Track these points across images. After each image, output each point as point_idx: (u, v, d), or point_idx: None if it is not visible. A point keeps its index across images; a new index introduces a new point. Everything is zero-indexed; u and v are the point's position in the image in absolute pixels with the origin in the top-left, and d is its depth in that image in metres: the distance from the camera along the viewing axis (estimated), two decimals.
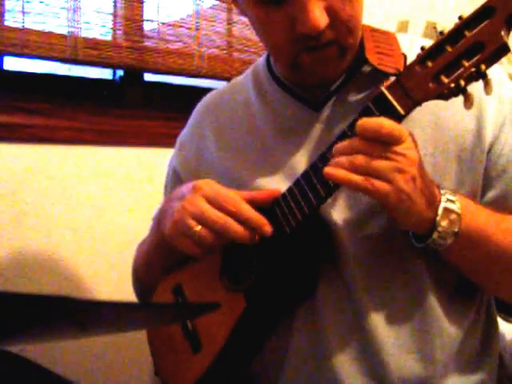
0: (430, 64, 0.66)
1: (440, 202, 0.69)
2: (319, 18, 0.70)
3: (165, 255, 0.89)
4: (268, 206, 0.77)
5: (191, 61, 1.51)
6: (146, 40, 1.45)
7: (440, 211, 0.68)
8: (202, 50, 1.53)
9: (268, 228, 0.74)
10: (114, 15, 1.42)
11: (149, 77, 1.53)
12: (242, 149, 0.87)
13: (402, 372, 0.76)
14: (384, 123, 0.64)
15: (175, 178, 0.98)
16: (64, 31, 1.33)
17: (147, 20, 1.47)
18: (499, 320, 0.91)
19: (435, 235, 0.69)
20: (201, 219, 0.74)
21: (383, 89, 0.68)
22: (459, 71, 0.64)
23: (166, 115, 1.46)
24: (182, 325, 0.86)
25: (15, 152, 1.29)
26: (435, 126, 0.76)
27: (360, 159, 0.65)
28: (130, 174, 1.43)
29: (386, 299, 0.77)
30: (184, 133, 1.00)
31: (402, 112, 0.67)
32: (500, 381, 0.87)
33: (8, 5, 1.25)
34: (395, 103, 0.67)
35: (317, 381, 0.79)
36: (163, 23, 1.50)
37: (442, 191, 0.70)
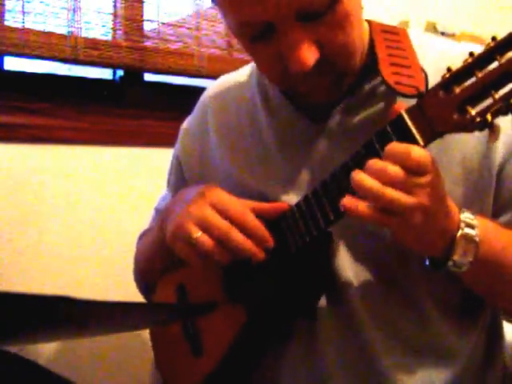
0: (456, 90, 0.59)
1: (458, 228, 0.64)
2: (307, 56, 0.65)
3: (166, 255, 0.87)
4: (274, 219, 0.74)
5: (191, 61, 1.51)
6: (146, 40, 1.45)
7: (457, 239, 0.64)
8: (202, 50, 1.53)
9: (270, 244, 0.72)
10: (114, 15, 1.42)
11: (149, 77, 1.53)
12: (245, 153, 0.85)
13: None
14: (413, 150, 0.59)
15: (178, 167, 0.97)
16: (64, 31, 1.33)
17: (147, 20, 1.47)
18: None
19: (450, 263, 0.65)
20: (203, 225, 0.71)
21: (403, 113, 0.62)
22: (487, 103, 0.57)
23: (166, 115, 1.46)
24: (183, 327, 0.86)
25: (15, 152, 1.29)
26: (441, 148, 0.71)
27: (386, 194, 0.59)
28: (129, 173, 1.43)
29: (387, 321, 0.75)
30: (187, 123, 0.98)
31: (421, 143, 0.61)
32: (500, 381, 0.87)
33: (8, 5, 1.26)
34: (415, 132, 0.61)
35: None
36: (163, 23, 1.50)
37: (462, 215, 0.65)
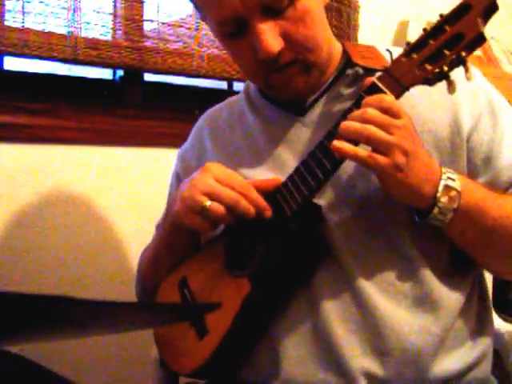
0: (415, 56, 0.73)
1: (440, 179, 0.73)
2: (272, 43, 0.77)
3: (172, 245, 0.93)
4: (269, 193, 0.82)
5: (191, 61, 1.51)
6: (145, 40, 1.45)
7: (440, 188, 0.73)
8: (202, 50, 1.52)
9: (269, 213, 0.81)
10: (114, 15, 1.42)
11: (149, 77, 1.53)
12: (238, 151, 0.93)
13: (400, 343, 0.79)
14: (385, 97, 0.72)
15: (178, 183, 1.01)
16: (64, 31, 1.33)
17: (147, 20, 1.47)
18: (499, 320, 0.92)
19: (435, 211, 0.73)
20: (212, 194, 0.79)
21: (374, 79, 0.75)
22: (442, 59, 0.71)
23: (166, 115, 1.47)
24: None
25: (15, 152, 1.29)
26: (414, 120, 0.77)
27: (366, 129, 0.70)
28: (129, 173, 1.43)
29: (380, 275, 0.81)
30: (185, 145, 1.05)
31: (392, 97, 0.73)
32: (500, 380, 0.88)
33: (8, 5, 1.25)
34: (386, 90, 0.73)
35: (317, 353, 0.81)
36: (163, 23, 1.50)
37: (443, 169, 0.74)
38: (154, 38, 1.47)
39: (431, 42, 0.72)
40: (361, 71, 0.86)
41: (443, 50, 0.71)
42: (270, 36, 0.77)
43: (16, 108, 1.29)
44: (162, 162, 1.43)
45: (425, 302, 0.81)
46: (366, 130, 0.70)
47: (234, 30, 0.80)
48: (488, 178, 0.82)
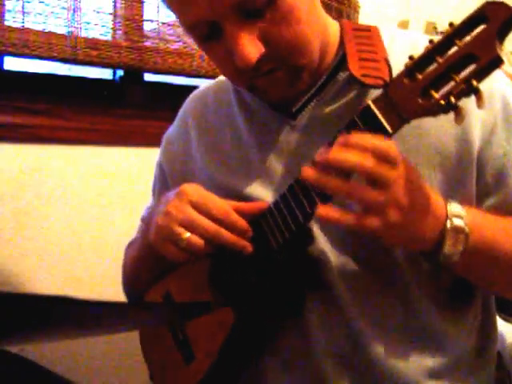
0: (419, 76, 0.61)
1: (445, 221, 0.65)
2: (249, 51, 0.67)
3: (152, 262, 0.87)
4: (254, 219, 0.75)
5: (191, 61, 1.51)
6: (145, 40, 1.45)
7: (446, 232, 0.65)
8: None
9: (249, 233, 0.74)
10: (114, 15, 1.42)
11: (149, 77, 1.53)
12: (226, 155, 0.86)
13: (394, 380, 0.74)
14: (381, 143, 0.60)
15: (162, 175, 0.97)
16: (64, 31, 1.33)
17: (147, 20, 1.47)
18: (499, 320, 0.91)
19: (441, 257, 0.66)
20: (190, 226, 0.73)
21: (370, 103, 0.63)
22: (450, 86, 0.59)
23: (166, 115, 1.46)
24: (173, 336, 0.86)
25: (15, 152, 1.29)
26: (416, 135, 0.72)
27: (356, 190, 0.60)
28: (130, 173, 1.43)
29: (374, 309, 0.75)
30: (170, 130, 0.98)
31: (389, 130, 0.62)
32: (501, 380, 0.87)
33: (8, 5, 1.25)
34: (383, 120, 0.62)
35: (305, 379, 0.78)
36: (163, 23, 1.50)
37: (449, 207, 0.66)
38: (154, 37, 1.47)
39: (438, 59, 0.60)
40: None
41: (451, 73, 0.59)
42: (246, 42, 0.66)
43: (16, 108, 1.29)
44: None
45: (421, 338, 0.75)
46: (355, 191, 0.60)
47: (207, 33, 0.70)
48: (499, 199, 0.74)
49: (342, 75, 0.77)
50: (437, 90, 0.60)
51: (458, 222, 0.65)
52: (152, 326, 0.94)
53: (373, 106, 0.63)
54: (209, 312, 0.79)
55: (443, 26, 1.88)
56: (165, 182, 0.96)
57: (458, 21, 0.59)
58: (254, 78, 0.72)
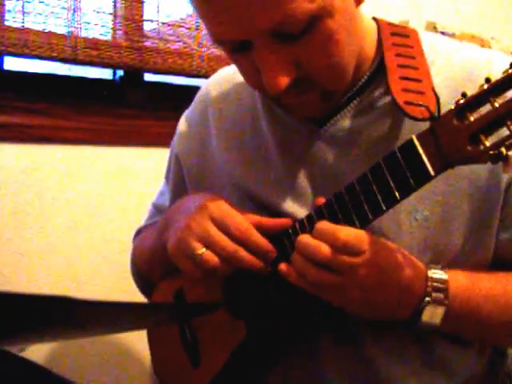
0: (470, 118, 0.56)
1: (423, 295, 0.65)
2: (279, 79, 0.62)
3: (166, 262, 0.84)
4: (276, 235, 0.73)
5: (191, 61, 1.51)
6: (145, 40, 1.45)
7: (423, 306, 0.65)
8: (202, 50, 1.52)
9: (273, 255, 0.71)
10: (114, 15, 1.42)
11: (149, 77, 1.53)
12: (246, 155, 0.83)
13: None
14: (341, 231, 0.61)
15: (177, 166, 0.95)
16: (64, 31, 1.33)
17: (147, 20, 1.47)
18: None
19: (419, 325, 0.67)
20: (207, 243, 0.71)
21: (415, 139, 0.59)
22: (503, 135, 0.54)
23: (166, 115, 1.46)
24: (181, 338, 0.86)
25: (15, 152, 1.29)
26: None
27: (310, 271, 0.62)
28: (130, 173, 1.43)
29: (387, 337, 0.74)
30: (188, 118, 0.94)
31: (432, 173, 0.58)
32: (501, 380, 0.87)
33: (8, 5, 1.25)
34: (427, 161, 0.58)
35: None
36: (163, 23, 1.50)
37: (429, 278, 0.66)
38: (154, 37, 1.47)
39: (493, 101, 0.54)
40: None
41: (506, 119, 0.53)
42: (277, 67, 0.62)
43: (16, 108, 1.29)
44: (162, 161, 1.43)
45: (433, 366, 0.74)
46: (310, 275, 0.63)
47: (237, 48, 0.65)
48: None
49: (381, 87, 0.72)
50: (487, 137, 0.55)
51: (437, 294, 0.65)
52: (152, 326, 0.94)
53: (417, 144, 0.59)
54: (215, 310, 0.78)
55: (443, 26, 1.88)
56: (180, 172, 0.94)
57: (502, 36, 0.56)
58: (283, 97, 0.68)
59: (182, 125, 0.95)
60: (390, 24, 0.75)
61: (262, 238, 0.71)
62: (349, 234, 0.61)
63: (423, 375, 0.74)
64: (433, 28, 1.88)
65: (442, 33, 1.88)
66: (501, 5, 2.13)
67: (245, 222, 0.72)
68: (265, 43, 0.61)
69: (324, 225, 0.63)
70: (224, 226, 0.71)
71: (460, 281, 0.68)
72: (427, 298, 0.65)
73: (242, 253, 0.70)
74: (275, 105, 0.76)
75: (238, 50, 0.66)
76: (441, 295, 0.65)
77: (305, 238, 0.63)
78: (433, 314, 0.65)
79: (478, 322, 0.69)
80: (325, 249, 0.61)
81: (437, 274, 0.67)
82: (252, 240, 0.71)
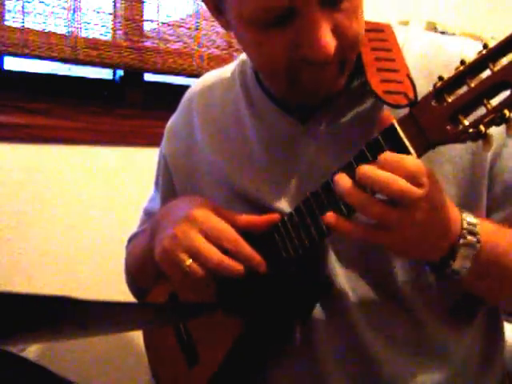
0: (448, 100, 0.57)
1: (459, 235, 0.63)
2: (329, 43, 0.63)
3: (157, 268, 0.86)
4: (267, 230, 0.73)
5: (191, 61, 1.51)
6: (145, 40, 1.45)
7: (458, 248, 0.63)
8: (202, 50, 1.53)
9: (263, 268, 0.72)
10: (114, 15, 1.42)
11: (149, 77, 1.53)
12: (232, 154, 0.84)
13: None
14: (408, 159, 0.58)
15: (165, 167, 0.96)
16: (64, 31, 1.33)
17: (147, 20, 1.47)
18: None
19: (448, 270, 0.65)
20: (193, 254, 0.71)
21: (395, 123, 0.60)
22: (481, 114, 0.56)
23: (166, 115, 1.46)
24: (178, 338, 0.86)
25: (15, 152, 1.29)
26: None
27: (374, 208, 0.58)
28: (130, 173, 1.43)
29: (381, 322, 0.75)
30: (173, 120, 0.96)
31: (414, 155, 0.59)
32: (501, 380, 0.87)
33: (8, 5, 1.26)
34: (408, 144, 0.59)
35: None
36: (163, 23, 1.50)
37: (464, 221, 0.64)
38: (154, 37, 1.47)
39: (469, 82, 0.56)
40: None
41: (483, 99, 0.55)
42: (326, 33, 0.63)
43: (16, 108, 1.29)
44: None
45: (427, 350, 0.75)
46: (375, 209, 0.58)
47: (275, 21, 0.64)
48: (508, 213, 0.73)
49: (359, 80, 0.74)
50: (466, 116, 0.57)
51: (471, 238, 0.64)
52: (152, 326, 0.94)
53: (398, 128, 0.60)
54: (213, 312, 0.79)
55: (443, 26, 1.88)
56: (169, 175, 0.95)
57: (500, 35, 0.56)
58: (305, 69, 0.67)
59: (168, 128, 0.97)
60: (366, 22, 0.75)
61: (252, 250, 0.72)
62: (415, 163, 0.58)
63: (418, 358, 0.75)
64: (433, 28, 1.88)
65: (442, 33, 1.88)
66: (501, 5, 2.13)
67: (233, 232, 0.72)
68: (312, 8, 0.62)
69: (388, 155, 0.59)
70: (212, 237, 0.72)
71: (489, 227, 0.68)
72: (462, 240, 0.63)
73: (227, 261, 0.71)
74: (286, 85, 0.72)
75: (274, 24, 0.64)
76: (474, 238, 0.64)
77: (373, 170, 0.58)
78: (465, 258, 0.64)
79: (504, 268, 0.68)
80: (402, 182, 0.56)
81: (470, 217, 0.65)
82: (244, 253, 0.71)
